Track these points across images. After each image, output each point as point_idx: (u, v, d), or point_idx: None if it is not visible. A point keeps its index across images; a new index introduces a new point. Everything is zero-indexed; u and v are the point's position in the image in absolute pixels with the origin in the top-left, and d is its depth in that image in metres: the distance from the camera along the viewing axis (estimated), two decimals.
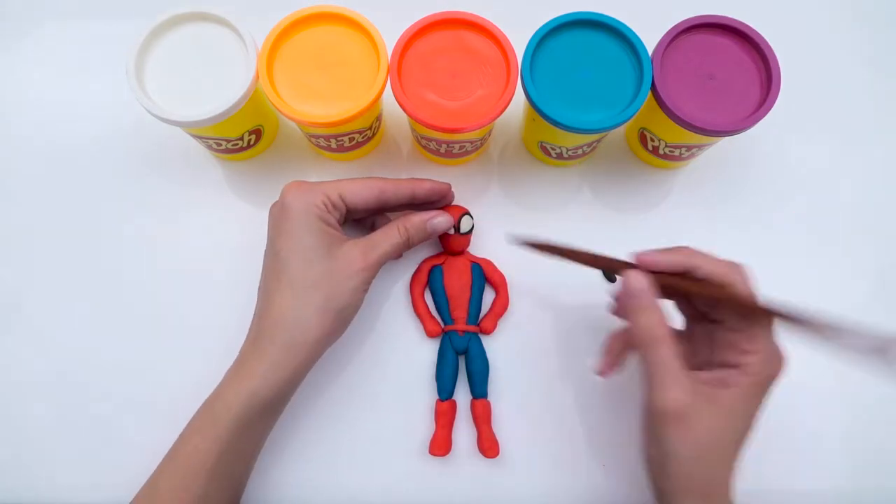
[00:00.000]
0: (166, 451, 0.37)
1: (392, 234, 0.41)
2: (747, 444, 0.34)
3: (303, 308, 0.37)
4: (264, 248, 0.40)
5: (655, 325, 0.34)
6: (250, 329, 0.39)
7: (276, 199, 0.48)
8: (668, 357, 0.33)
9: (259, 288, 0.40)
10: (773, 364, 0.34)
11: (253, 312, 0.40)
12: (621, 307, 0.37)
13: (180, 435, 0.37)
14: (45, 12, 0.52)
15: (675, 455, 0.32)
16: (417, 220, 0.42)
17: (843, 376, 0.45)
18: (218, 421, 0.36)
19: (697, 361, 0.36)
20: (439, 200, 0.43)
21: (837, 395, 0.44)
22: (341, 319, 0.39)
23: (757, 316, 0.34)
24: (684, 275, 0.35)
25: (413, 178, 0.42)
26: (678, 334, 0.38)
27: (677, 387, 0.32)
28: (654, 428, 0.33)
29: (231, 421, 0.36)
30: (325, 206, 0.39)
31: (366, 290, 0.40)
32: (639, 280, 0.34)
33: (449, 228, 0.43)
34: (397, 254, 0.41)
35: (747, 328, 0.34)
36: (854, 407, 0.44)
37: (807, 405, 0.44)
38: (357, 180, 0.40)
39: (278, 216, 0.39)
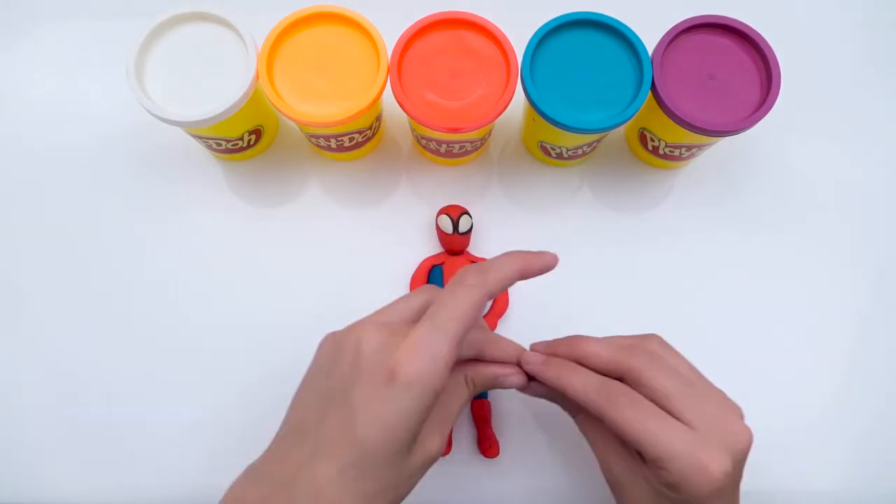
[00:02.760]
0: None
1: (462, 394, 0.33)
2: None
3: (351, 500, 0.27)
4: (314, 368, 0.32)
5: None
6: (265, 483, 0.29)
7: (276, 199, 0.48)
8: (598, 439, 0.34)
9: (297, 437, 0.30)
10: (695, 471, 0.28)
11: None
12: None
13: None
14: (45, 12, 0.52)
15: None
16: (489, 373, 0.34)
17: (845, 375, 0.45)
18: None
19: None
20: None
21: (839, 395, 0.44)
22: None
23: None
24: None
25: (514, 253, 0.32)
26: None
27: (609, 460, 0.33)
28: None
29: None
30: (444, 375, 0.28)
31: None
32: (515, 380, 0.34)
33: (519, 386, 0.36)
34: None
35: (646, 432, 0.30)
36: (855, 406, 0.44)
37: (806, 404, 0.44)
38: (479, 337, 0.33)
39: (375, 383, 0.27)
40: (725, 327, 0.45)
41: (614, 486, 0.32)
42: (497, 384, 0.35)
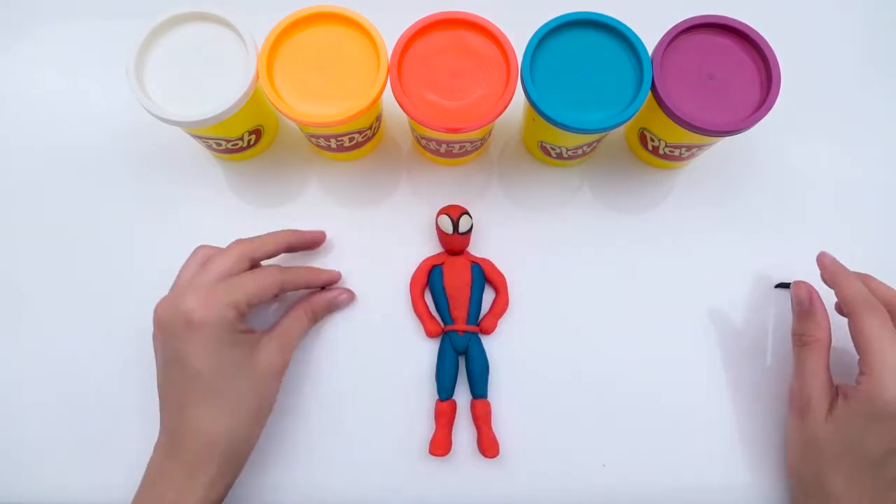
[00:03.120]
0: None
1: (301, 320, 0.42)
2: (874, 469, 0.36)
3: (237, 426, 0.37)
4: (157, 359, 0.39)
5: (811, 331, 0.40)
6: (163, 446, 0.38)
7: (276, 199, 0.48)
8: (811, 360, 0.39)
9: (166, 402, 0.39)
10: (880, 385, 0.35)
11: (163, 416, 0.39)
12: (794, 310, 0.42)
13: None
14: (45, 12, 0.52)
15: (791, 440, 0.40)
16: (322, 301, 0.43)
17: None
18: None
19: None
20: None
21: None
22: (265, 419, 0.40)
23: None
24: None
25: (310, 268, 0.44)
26: None
27: (807, 386, 0.39)
28: (789, 413, 0.41)
29: None
30: (235, 317, 0.37)
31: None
32: (801, 290, 0.41)
33: (352, 303, 0.45)
34: (303, 337, 0.43)
35: (869, 348, 0.36)
36: None
37: None
38: (258, 279, 0.39)
39: (183, 332, 0.36)
40: (725, 326, 0.45)
41: (803, 403, 0.39)
42: (332, 306, 0.44)
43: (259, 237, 0.42)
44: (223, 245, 0.41)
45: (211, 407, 0.37)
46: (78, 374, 0.45)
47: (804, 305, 0.40)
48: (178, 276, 0.40)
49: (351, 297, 0.45)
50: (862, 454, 0.36)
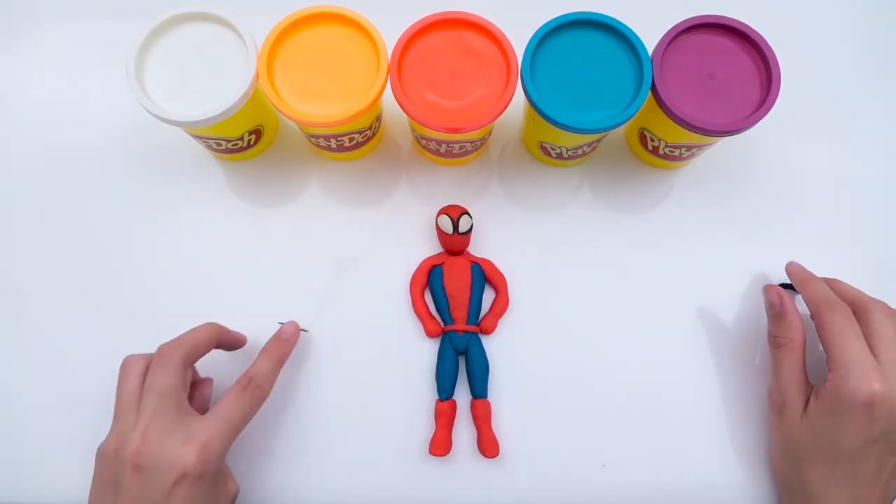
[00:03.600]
0: None
1: (243, 402, 0.38)
2: (850, 464, 0.37)
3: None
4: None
5: (783, 333, 0.40)
6: None
7: (276, 199, 0.48)
8: (787, 362, 0.40)
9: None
10: (847, 381, 0.36)
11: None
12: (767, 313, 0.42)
13: None
14: (45, 12, 0.52)
15: (772, 440, 0.41)
16: (266, 363, 0.40)
17: None
18: None
19: None
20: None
21: None
22: None
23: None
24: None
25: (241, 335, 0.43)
26: None
27: (783, 387, 0.40)
28: (769, 413, 0.42)
29: None
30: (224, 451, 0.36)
31: None
32: (772, 294, 0.42)
33: (296, 336, 0.43)
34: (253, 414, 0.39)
35: (836, 346, 0.37)
36: None
37: None
38: (236, 402, 0.37)
39: (174, 482, 0.33)
40: (725, 326, 0.45)
41: (780, 403, 0.40)
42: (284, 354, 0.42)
43: (184, 336, 0.39)
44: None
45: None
46: (78, 374, 0.45)
47: (776, 308, 0.41)
48: (122, 403, 0.37)
49: (294, 327, 0.43)
50: (836, 449, 0.36)
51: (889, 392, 0.35)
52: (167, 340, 0.39)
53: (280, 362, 0.41)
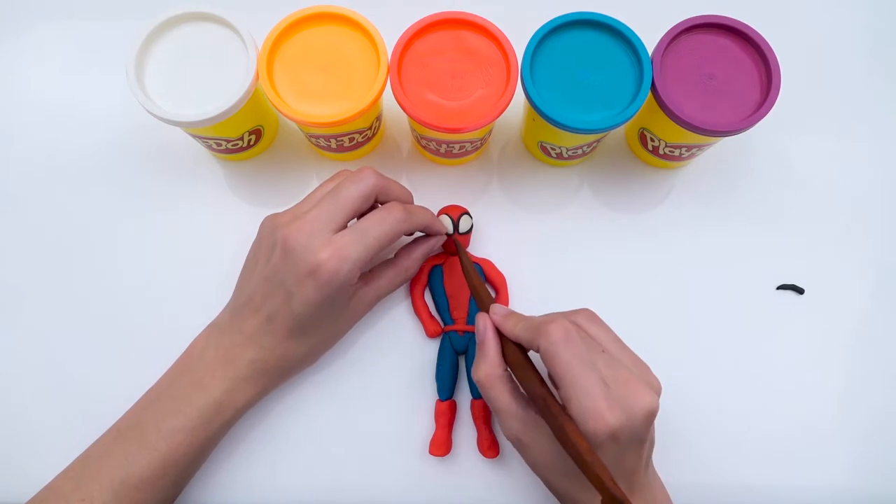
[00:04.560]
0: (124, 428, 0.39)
1: (394, 281, 0.43)
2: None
3: (307, 355, 0.42)
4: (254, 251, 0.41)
5: (490, 368, 0.36)
6: (230, 334, 0.41)
7: (276, 199, 0.48)
8: (499, 396, 0.35)
9: (252, 307, 0.40)
10: (584, 422, 0.31)
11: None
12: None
13: (144, 419, 0.39)
14: (45, 12, 0.52)
15: (532, 468, 0.36)
16: (419, 255, 0.43)
17: (847, 374, 0.45)
18: (206, 425, 0.39)
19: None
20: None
21: (840, 394, 0.45)
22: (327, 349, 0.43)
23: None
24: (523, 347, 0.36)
25: (427, 210, 0.43)
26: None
27: (508, 421, 0.35)
28: None
29: (219, 425, 0.39)
30: (358, 275, 0.39)
31: None
32: (481, 322, 0.37)
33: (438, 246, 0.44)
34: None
35: (557, 385, 0.33)
36: (857, 407, 0.44)
37: (806, 404, 0.44)
38: (383, 226, 0.38)
39: (304, 275, 0.37)
40: (725, 327, 0.45)
41: (518, 443, 0.36)
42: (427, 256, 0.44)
43: (385, 178, 0.41)
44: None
45: (293, 338, 0.40)
46: (78, 375, 0.45)
47: (480, 338, 0.37)
48: (315, 193, 0.41)
49: (438, 241, 0.44)
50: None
51: (622, 417, 0.31)
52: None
53: (428, 227, 0.42)
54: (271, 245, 0.39)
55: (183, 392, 0.39)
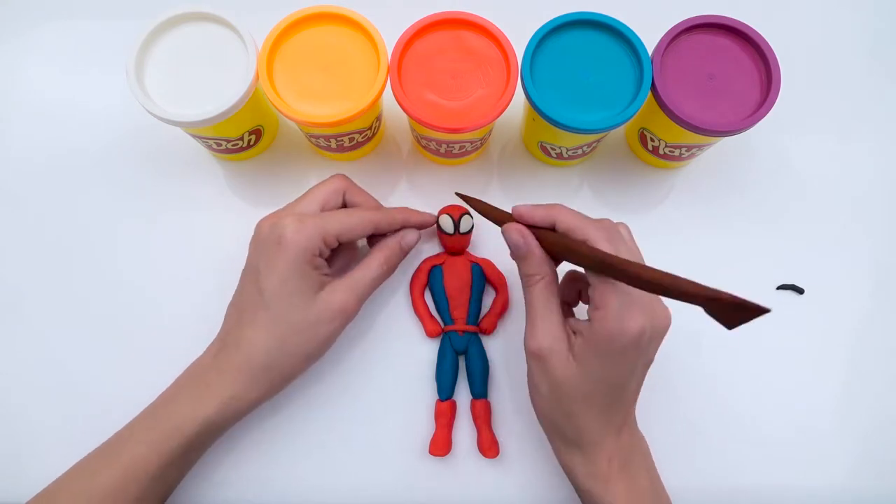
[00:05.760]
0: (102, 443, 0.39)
1: (371, 268, 0.41)
2: (620, 397, 0.36)
3: (276, 348, 0.38)
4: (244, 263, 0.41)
5: (533, 271, 0.36)
6: (214, 345, 0.40)
7: (276, 199, 0.48)
8: (540, 301, 0.36)
9: (232, 306, 0.41)
10: (618, 321, 0.33)
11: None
12: (512, 256, 0.38)
13: (120, 436, 0.39)
14: (45, 12, 0.52)
15: (537, 389, 0.37)
16: (394, 244, 0.43)
17: (847, 373, 0.45)
18: (168, 438, 0.37)
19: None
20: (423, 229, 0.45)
21: (840, 393, 0.45)
22: (310, 362, 0.41)
23: (606, 272, 0.33)
24: (554, 229, 0.37)
25: (404, 209, 0.44)
26: (565, 279, 0.40)
27: (541, 331, 0.36)
28: (527, 362, 0.37)
29: (182, 440, 0.37)
30: (321, 249, 0.39)
31: (341, 331, 0.41)
32: (514, 234, 0.37)
33: (417, 243, 0.44)
34: (378, 286, 0.42)
35: (597, 284, 0.34)
36: (856, 406, 0.44)
37: (805, 403, 0.44)
38: (352, 216, 0.40)
39: (271, 248, 0.38)
40: (724, 327, 0.45)
41: (540, 348, 0.36)
42: (403, 248, 0.43)
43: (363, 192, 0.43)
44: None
45: (259, 323, 0.38)
46: (78, 375, 0.45)
47: (521, 249, 0.37)
48: (297, 199, 0.41)
49: (417, 235, 0.44)
50: (609, 389, 0.35)
51: (649, 321, 0.33)
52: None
53: (404, 222, 0.43)
54: (250, 244, 0.40)
55: (158, 409, 0.39)
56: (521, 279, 0.38)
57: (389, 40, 0.40)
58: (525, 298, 0.37)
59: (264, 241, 0.39)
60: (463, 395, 0.44)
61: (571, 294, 0.40)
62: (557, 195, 0.48)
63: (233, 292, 0.43)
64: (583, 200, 0.48)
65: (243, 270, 0.41)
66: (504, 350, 0.45)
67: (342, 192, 0.41)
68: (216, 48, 0.41)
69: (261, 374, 0.39)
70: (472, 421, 0.43)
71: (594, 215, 0.47)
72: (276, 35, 0.40)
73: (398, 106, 0.39)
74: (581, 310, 0.39)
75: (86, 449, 0.39)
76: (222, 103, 0.39)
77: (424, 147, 0.46)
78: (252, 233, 0.41)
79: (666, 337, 0.36)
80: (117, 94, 0.47)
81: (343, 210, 0.41)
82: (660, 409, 0.44)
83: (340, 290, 0.40)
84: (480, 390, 0.43)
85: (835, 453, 0.44)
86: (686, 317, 0.45)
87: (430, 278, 0.45)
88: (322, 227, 0.38)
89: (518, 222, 0.37)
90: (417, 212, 0.44)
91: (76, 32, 0.52)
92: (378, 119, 0.45)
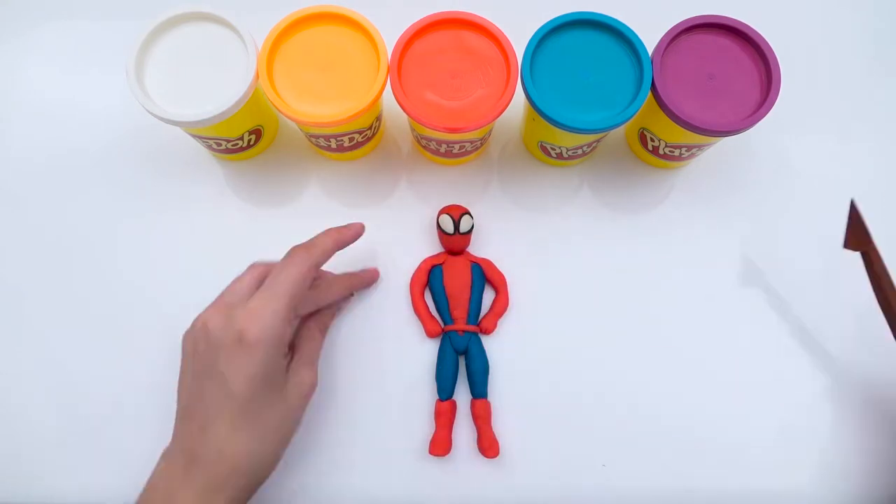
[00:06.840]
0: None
1: (315, 339, 0.41)
2: None
3: (263, 451, 0.35)
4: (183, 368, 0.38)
5: None
6: (177, 458, 0.35)
7: (276, 199, 0.48)
8: None
9: (188, 418, 0.36)
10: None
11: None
12: None
13: None
14: (45, 12, 0.52)
15: None
16: (329, 313, 0.44)
17: (844, 373, 0.45)
18: None
19: None
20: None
21: (840, 393, 0.45)
22: (289, 443, 0.38)
23: None
24: None
25: (350, 275, 0.44)
26: None
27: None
28: None
29: None
30: (287, 331, 0.37)
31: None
32: None
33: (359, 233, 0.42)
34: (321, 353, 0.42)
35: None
36: (856, 406, 0.44)
37: (801, 402, 0.44)
38: (289, 270, 0.37)
39: (233, 348, 0.34)
40: (724, 326, 0.45)
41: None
42: (333, 317, 0.44)
43: (312, 244, 0.39)
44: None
45: (239, 430, 0.34)
46: (78, 375, 0.45)
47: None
48: (228, 288, 0.39)
49: (352, 236, 0.42)
50: None
51: None
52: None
53: (337, 243, 0.40)
54: (192, 343, 0.37)
55: None
56: None
57: (389, 40, 0.40)
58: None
59: (218, 342, 0.35)
60: (463, 395, 0.44)
61: None
62: (557, 195, 0.48)
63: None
64: (583, 200, 0.48)
65: (192, 378, 0.36)
66: (504, 350, 0.45)
67: (267, 272, 0.39)
68: (216, 48, 0.41)
69: (250, 479, 0.35)
70: (472, 421, 0.43)
71: (594, 215, 0.48)
72: (276, 35, 0.40)
73: (398, 106, 0.39)
74: None
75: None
76: (222, 103, 0.39)
77: (424, 147, 0.46)
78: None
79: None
80: (117, 94, 0.47)
81: (280, 272, 0.37)
82: (661, 405, 0.44)
83: (302, 367, 0.39)
84: (480, 390, 0.43)
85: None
86: (687, 316, 0.46)
87: (430, 278, 0.45)
88: (279, 306, 0.35)
89: None
90: (347, 227, 0.41)
91: (76, 32, 0.52)
92: (378, 119, 0.45)
